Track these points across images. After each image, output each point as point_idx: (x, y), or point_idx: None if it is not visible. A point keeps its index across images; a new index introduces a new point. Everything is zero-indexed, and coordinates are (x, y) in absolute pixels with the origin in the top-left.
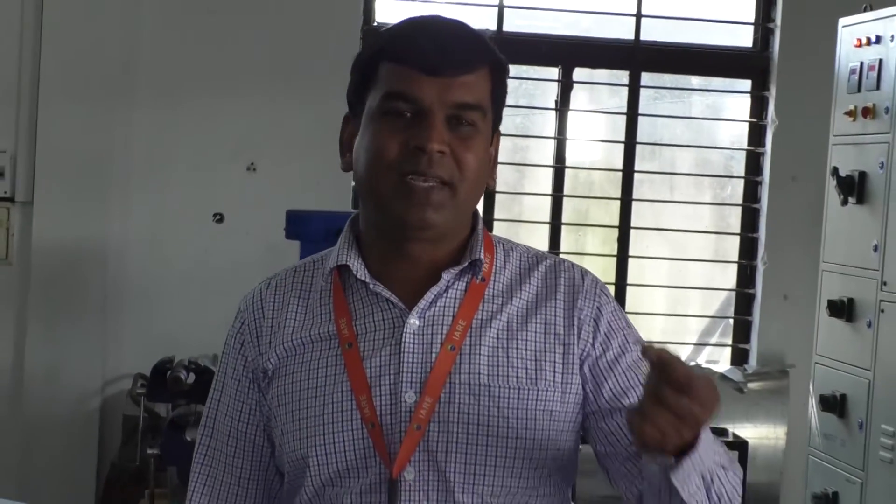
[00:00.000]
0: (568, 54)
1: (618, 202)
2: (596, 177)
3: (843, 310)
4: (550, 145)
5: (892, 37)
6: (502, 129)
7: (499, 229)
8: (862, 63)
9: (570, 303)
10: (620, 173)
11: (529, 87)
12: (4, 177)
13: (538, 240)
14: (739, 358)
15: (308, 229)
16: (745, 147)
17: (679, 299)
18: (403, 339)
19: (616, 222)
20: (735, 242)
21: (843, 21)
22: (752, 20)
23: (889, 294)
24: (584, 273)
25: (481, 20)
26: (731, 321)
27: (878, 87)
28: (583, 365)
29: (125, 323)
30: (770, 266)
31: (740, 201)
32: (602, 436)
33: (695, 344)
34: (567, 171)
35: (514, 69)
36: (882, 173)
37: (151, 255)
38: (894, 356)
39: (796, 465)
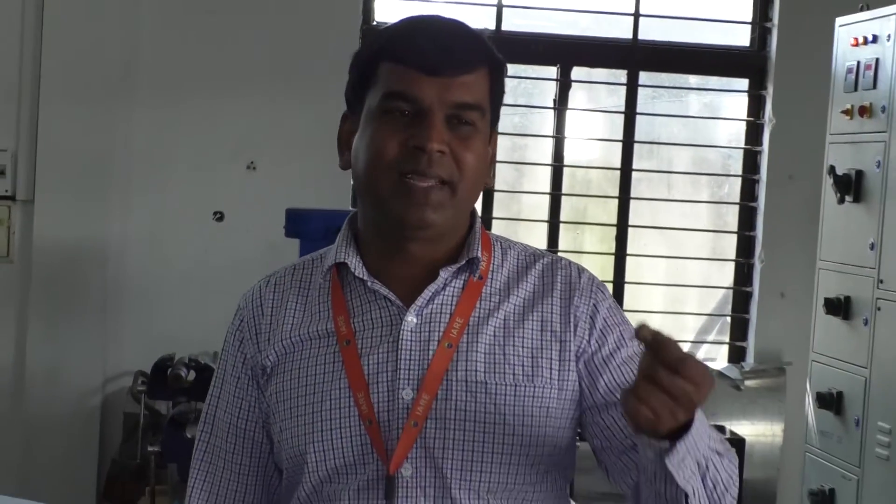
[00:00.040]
0: (566, 53)
1: (616, 201)
2: (594, 175)
3: (839, 308)
4: (549, 144)
5: (889, 36)
6: (501, 128)
7: (497, 227)
8: (859, 62)
9: (566, 300)
10: (618, 172)
11: (528, 86)
12: (6, 175)
13: (536, 238)
14: (737, 355)
15: (307, 228)
16: (743, 146)
17: (677, 297)
18: (401, 337)
19: (614, 221)
20: (732, 241)
21: (839, 20)
22: (750, 19)
23: (885, 292)
24: (580, 271)
25: (480, 19)
26: (729, 319)
27: (874, 86)
28: (578, 361)
29: (126, 321)
30: (767, 264)
31: (737, 200)
32: (598, 430)
33: (692, 342)
34: (565, 169)
35: (512, 68)
36: (878, 172)
37: (152, 253)
38: (891, 354)
39: (793, 462)
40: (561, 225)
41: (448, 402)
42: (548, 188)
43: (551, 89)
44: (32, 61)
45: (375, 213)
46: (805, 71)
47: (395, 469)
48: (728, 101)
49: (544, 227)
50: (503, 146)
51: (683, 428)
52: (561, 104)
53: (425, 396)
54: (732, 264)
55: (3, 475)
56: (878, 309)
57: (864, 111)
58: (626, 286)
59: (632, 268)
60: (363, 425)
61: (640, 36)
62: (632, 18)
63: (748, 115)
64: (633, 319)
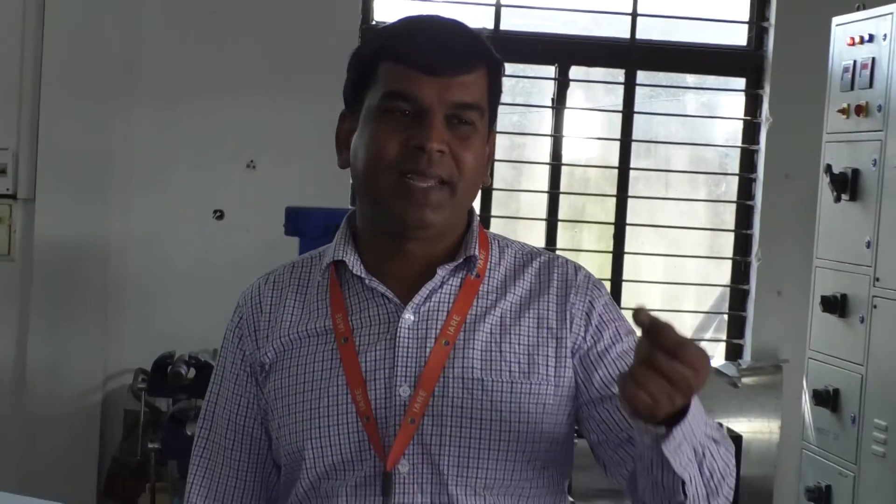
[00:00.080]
0: (564, 53)
1: (613, 199)
2: (592, 174)
3: (836, 305)
4: (547, 143)
5: (885, 35)
6: (499, 126)
7: (496, 226)
8: (855, 61)
9: (562, 297)
10: (616, 170)
11: (526, 85)
12: (7, 174)
13: (535, 236)
14: (734, 353)
15: (307, 226)
16: (740, 144)
17: (674, 295)
18: (398, 334)
19: (612, 219)
20: (729, 239)
21: (836, 20)
22: (747, 19)
23: (881, 290)
24: (577, 268)
25: (478, 19)
26: (726, 317)
27: (870, 86)
28: (574, 357)
29: (126, 318)
30: (764, 262)
31: (735, 198)
32: (594, 424)
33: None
34: (563, 168)
35: (510, 67)
36: (875, 171)
37: (152, 251)
38: (887, 351)
39: (790, 458)
40: (559, 223)
41: (445, 398)
42: (546, 187)
43: (549, 88)
44: (33, 61)
45: (374, 213)
46: (802, 70)
47: (393, 465)
48: (725, 100)
49: (542, 226)
50: (501, 145)
51: (680, 414)
52: (559, 103)
53: (422, 393)
54: (729, 262)
55: (4, 472)
56: (875, 307)
57: (861, 110)
58: (624, 284)
59: (630, 266)
60: (360, 422)
61: (638, 35)
62: (629, 18)
63: (745, 115)
64: (631, 317)
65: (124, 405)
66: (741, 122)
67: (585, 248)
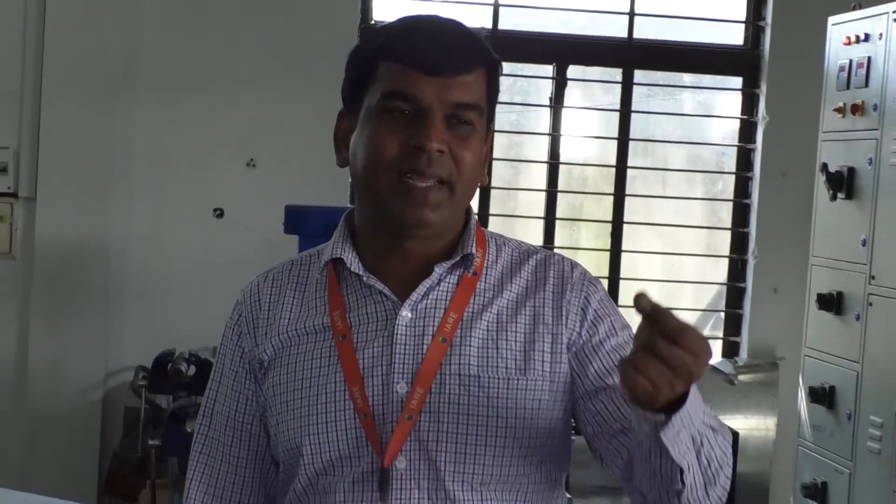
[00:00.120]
0: (562, 52)
1: (611, 197)
2: (589, 173)
3: (832, 303)
4: (545, 142)
5: (881, 35)
6: (497, 125)
7: (494, 224)
8: (851, 60)
9: (558, 293)
10: (614, 169)
11: (524, 84)
12: (8, 172)
13: (532, 235)
14: (730, 350)
15: (306, 224)
16: (736, 143)
17: (671, 293)
18: (396, 331)
19: (609, 217)
20: (726, 237)
21: (832, 19)
22: (743, 18)
23: (877, 287)
24: (573, 265)
25: (477, 18)
26: (723, 314)
27: (866, 85)
28: (569, 352)
29: (127, 316)
30: (760, 260)
31: (731, 197)
32: (590, 416)
33: None
34: (561, 167)
35: (509, 67)
36: (870, 169)
37: (152, 249)
38: (882, 348)
39: (786, 455)
40: (557, 221)
41: (442, 395)
42: (544, 185)
43: (547, 87)
44: (34, 60)
45: (373, 211)
46: (798, 69)
47: (390, 462)
48: (722, 99)
49: (540, 224)
50: (499, 144)
51: (679, 402)
52: (557, 102)
53: (419, 390)
54: (726, 260)
55: (5, 469)
56: (870, 304)
57: (857, 109)
58: (622, 282)
59: (627, 264)
60: (358, 418)
61: (636, 35)
62: (627, 17)
63: (742, 113)
64: (629, 315)
65: (125, 402)
66: (738, 120)
67: (583, 246)
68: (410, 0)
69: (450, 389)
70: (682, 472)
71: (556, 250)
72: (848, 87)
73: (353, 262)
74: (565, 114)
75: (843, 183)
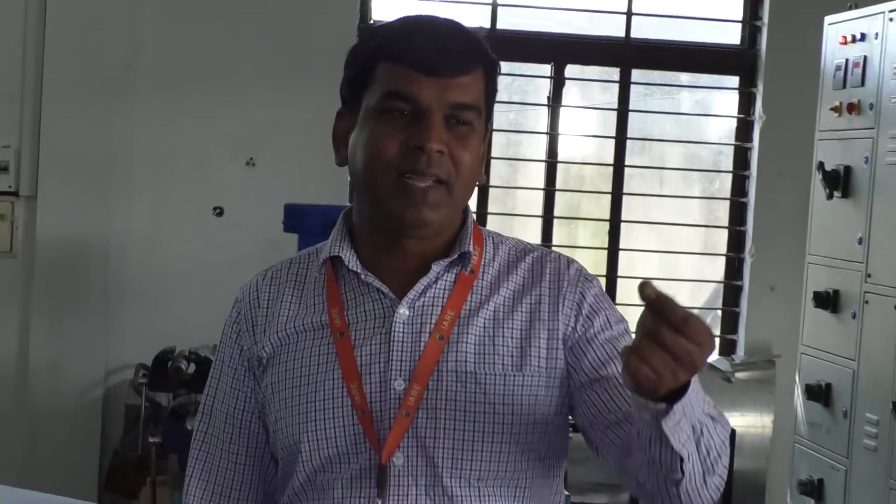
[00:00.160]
0: (560, 51)
1: (609, 196)
2: (587, 171)
3: (828, 301)
4: (543, 140)
5: (877, 34)
6: (496, 124)
7: (492, 223)
8: (847, 60)
9: (555, 289)
10: (611, 168)
11: (522, 83)
12: (9, 171)
13: (530, 233)
14: (727, 348)
15: (306, 223)
16: (733, 142)
17: (669, 291)
18: (393, 329)
19: (607, 216)
20: (723, 235)
21: (828, 19)
22: (740, 18)
23: (873, 286)
24: (569, 262)
25: (475, 18)
26: (720, 312)
27: (862, 84)
28: (565, 347)
29: (127, 314)
30: (757, 258)
31: (728, 195)
32: (585, 408)
33: None
34: (559, 165)
35: (507, 66)
36: (867, 168)
37: (153, 248)
38: (878, 346)
39: (782, 452)
40: (555, 220)
41: (439, 392)
42: (542, 184)
43: (545, 87)
44: (35, 60)
45: (372, 210)
46: (794, 68)
47: (387, 458)
48: (719, 98)
49: (538, 223)
50: (498, 142)
51: (680, 391)
52: (555, 101)
53: (417, 387)
54: (723, 258)
55: (6, 466)
56: (866, 302)
57: (853, 108)
58: (619, 280)
59: (624, 262)
60: (356, 415)
61: (633, 34)
62: (624, 17)
63: (739, 112)
64: (626, 313)
65: (125, 400)
66: (735, 119)
67: (581, 244)
68: (409, 0)
69: (447, 386)
70: (681, 461)
71: (553, 248)
72: (844, 87)
73: (350, 260)
74: (563, 113)
75: (839, 181)
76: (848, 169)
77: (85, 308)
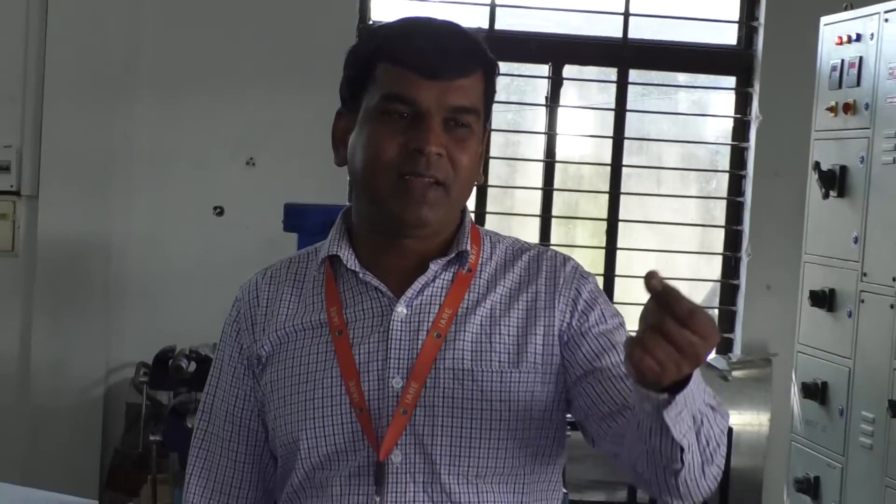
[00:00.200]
0: (558, 52)
1: (606, 195)
2: (585, 171)
3: (824, 300)
4: (541, 140)
5: (872, 35)
6: (494, 124)
7: (491, 222)
8: (843, 60)
9: (551, 286)
10: (609, 167)
11: (520, 83)
12: (11, 171)
13: (529, 232)
14: (724, 347)
15: (305, 222)
16: (730, 142)
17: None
18: (391, 327)
19: (605, 215)
20: (720, 234)
21: (824, 19)
22: (737, 18)
23: (869, 285)
24: (565, 259)
25: (474, 18)
26: (716, 311)
27: (858, 84)
28: (561, 342)
29: (128, 313)
30: (754, 258)
31: (725, 195)
32: (581, 400)
33: None
34: (557, 165)
35: (505, 66)
36: (862, 167)
37: (153, 247)
38: (874, 345)
39: (779, 450)
40: (553, 219)
41: (436, 389)
42: (540, 183)
43: (543, 87)
44: (37, 60)
45: (371, 210)
46: (791, 69)
47: (385, 456)
48: (716, 98)
49: (536, 222)
50: (496, 142)
51: (682, 381)
52: (553, 101)
53: (414, 385)
54: (720, 258)
55: (8, 464)
56: (862, 301)
57: (849, 108)
58: (617, 279)
59: (622, 261)
60: (354, 413)
61: (630, 35)
62: (622, 18)
63: (735, 112)
64: (624, 312)
65: (126, 398)
66: (731, 119)
67: (579, 243)
68: (409, 0)
69: (444, 384)
70: (682, 451)
71: (552, 248)
72: (840, 87)
73: (349, 259)
74: (561, 113)
75: (835, 181)
76: (844, 169)
77: (86, 307)
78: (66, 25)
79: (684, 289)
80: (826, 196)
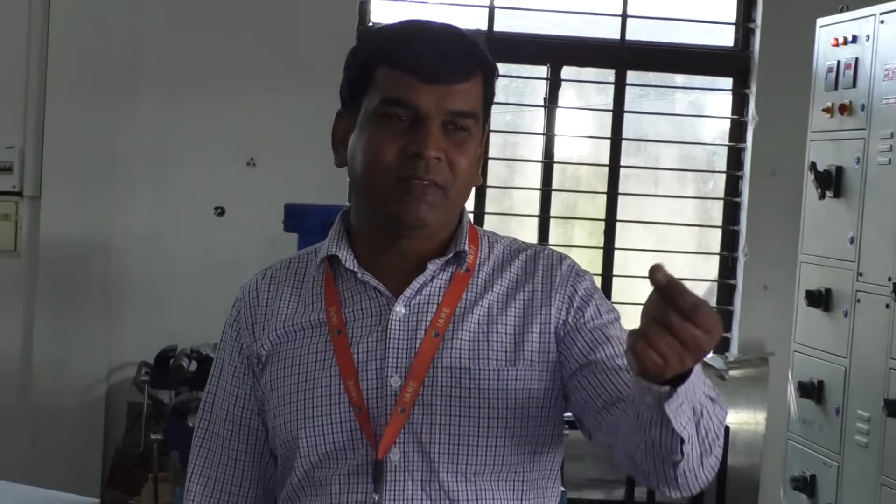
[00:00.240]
0: (556, 53)
1: (604, 196)
2: (583, 171)
3: (820, 300)
4: (539, 141)
5: (868, 36)
6: (493, 125)
7: (489, 222)
8: (839, 62)
9: (547, 284)
10: (607, 168)
11: (519, 84)
12: (13, 172)
13: (527, 233)
14: (721, 346)
15: (305, 222)
16: (727, 143)
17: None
18: (389, 326)
19: (603, 215)
20: (717, 235)
21: (820, 21)
22: (734, 20)
23: (864, 284)
24: (562, 257)
25: (473, 20)
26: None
27: (854, 85)
28: (557, 338)
29: (129, 313)
30: (751, 257)
31: (722, 195)
32: (577, 394)
33: None
34: (555, 166)
35: (504, 68)
36: (858, 168)
37: (154, 247)
38: (870, 344)
39: (776, 449)
40: (551, 220)
41: (434, 388)
42: (538, 184)
43: (542, 88)
44: (39, 62)
45: (370, 211)
46: (787, 70)
47: (384, 454)
48: (713, 99)
49: (535, 222)
50: (495, 143)
51: (682, 373)
52: (551, 102)
53: (412, 383)
54: (717, 258)
55: (10, 463)
56: (858, 301)
57: (845, 109)
58: (615, 279)
59: (620, 261)
60: (353, 411)
61: (628, 36)
62: (619, 19)
63: (732, 113)
64: (622, 311)
65: (128, 398)
66: (728, 120)
67: (577, 244)
68: (408, 2)
69: (442, 382)
70: (682, 442)
71: (549, 247)
72: (836, 88)
73: (347, 259)
74: (559, 114)
75: (831, 182)
76: (840, 169)
77: (88, 307)
78: (68, 26)
79: None
80: (822, 196)
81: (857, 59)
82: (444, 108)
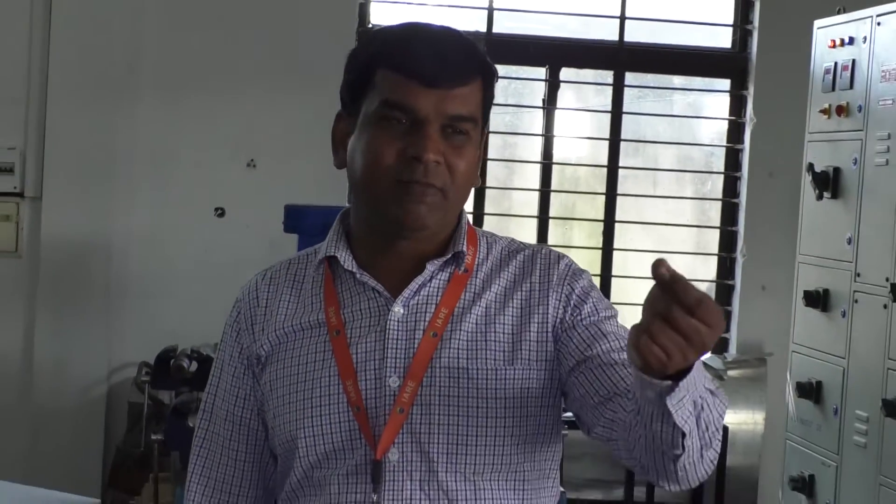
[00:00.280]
0: (555, 55)
1: (603, 197)
2: (582, 172)
3: (818, 300)
4: (538, 142)
5: (865, 38)
6: (492, 126)
7: (489, 223)
8: (836, 63)
9: (545, 283)
10: (605, 169)
11: (518, 86)
12: (14, 173)
13: (526, 233)
14: (719, 346)
15: (305, 223)
16: (725, 144)
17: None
18: (388, 327)
19: (601, 216)
20: (715, 235)
21: (817, 23)
22: (731, 22)
23: (862, 285)
24: (560, 257)
25: (472, 22)
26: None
27: (851, 87)
28: (554, 336)
29: (130, 313)
30: (749, 258)
31: (720, 196)
32: (575, 390)
33: None
34: (554, 167)
35: (503, 69)
36: (855, 169)
37: (155, 248)
38: (868, 345)
39: (774, 449)
40: (550, 220)
41: (432, 388)
42: (537, 185)
43: (541, 89)
44: (40, 63)
45: (369, 212)
46: (784, 71)
47: (382, 454)
48: (711, 100)
49: (534, 223)
50: (494, 144)
51: (684, 367)
52: (550, 104)
53: (411, 383)
54: (715, 258)
55: (10, 463)
56: (856, 301)
57: (842, 110)
58: (613, 280)
59: (618, 262)
60: (351, 412)
61: (626, 38)
62: (618, 21)
63: (730, 115)
64: (621, 311)
65: (128, 398)
66: (726, 121)
67: (576, 244)
68: (407, 4)
69: (440, 382)
70: (683, 436)
71: (547, 246)
72: (833, 89)
73: (346, 260)
74: (558, 115)
75: (828, 182)
76: (837, 170)
77: (88, 307)
78: (69, 27)
79: None
80: (820, 197)
81: (854, 61)
82: (443, 111)
